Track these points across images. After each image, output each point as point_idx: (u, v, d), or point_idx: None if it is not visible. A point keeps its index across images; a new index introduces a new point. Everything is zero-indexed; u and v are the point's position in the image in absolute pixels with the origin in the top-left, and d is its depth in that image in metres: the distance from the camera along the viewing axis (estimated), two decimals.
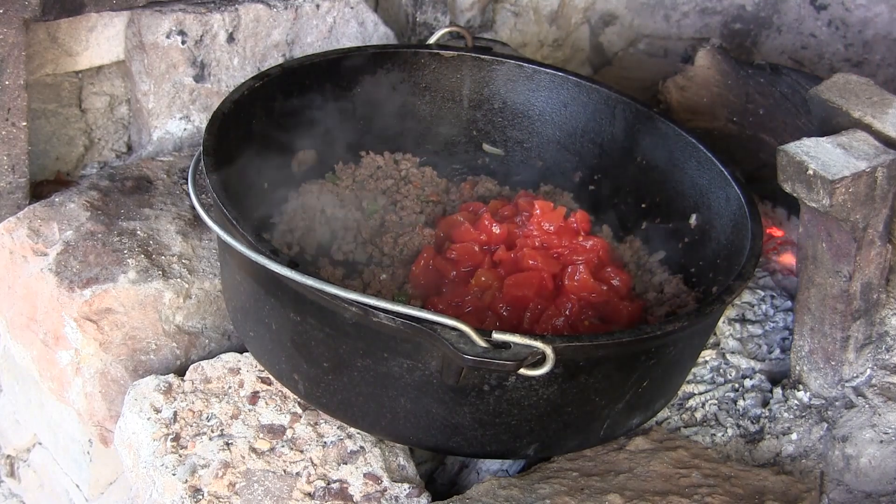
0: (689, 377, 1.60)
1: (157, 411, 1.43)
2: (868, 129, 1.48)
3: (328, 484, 1.36)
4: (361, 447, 1.40)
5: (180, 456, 1.37)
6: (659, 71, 2.13)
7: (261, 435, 1.41)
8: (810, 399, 1.56)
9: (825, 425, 1.53)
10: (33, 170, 1.73)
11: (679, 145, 1.65)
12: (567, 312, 1.46)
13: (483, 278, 1.47)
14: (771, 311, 1.73)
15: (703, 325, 1.42)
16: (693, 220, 1.63)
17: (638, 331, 1.31)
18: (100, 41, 1.80)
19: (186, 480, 1.34)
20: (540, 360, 1.17)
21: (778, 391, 1.58)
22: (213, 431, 1.41)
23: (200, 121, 1.87)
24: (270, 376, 1.46)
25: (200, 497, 1.33)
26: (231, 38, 1.84)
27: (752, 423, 1.54)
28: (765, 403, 1.57)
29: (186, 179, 1.57)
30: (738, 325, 1.69)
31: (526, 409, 1.27)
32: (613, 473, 1.40)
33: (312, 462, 1.38)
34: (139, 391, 1.46)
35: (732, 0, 2.36)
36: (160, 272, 1.55)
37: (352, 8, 1.98)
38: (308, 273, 1.20)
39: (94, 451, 1.67)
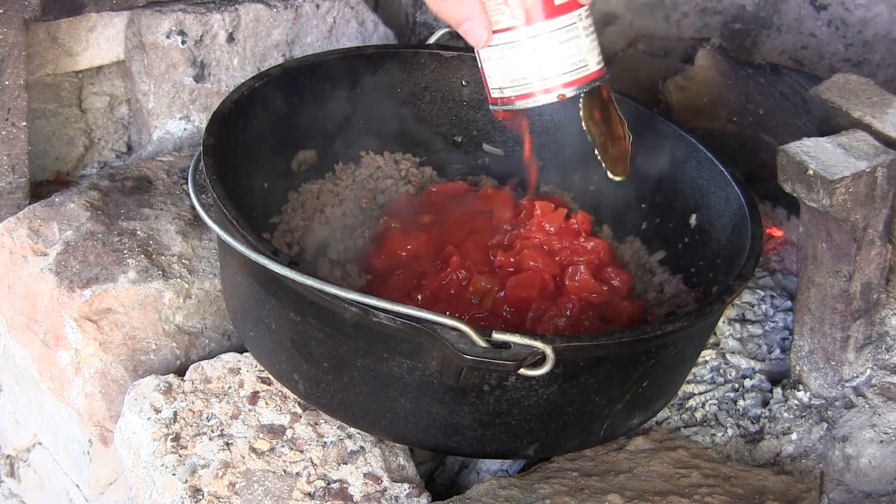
0: (689, 377, 1.60)
1: (157, 411, 1.43)
2: (868, 129, 1.48)
3: (328, 484, 1.36)
4: (361, 447, 1.40)
5: (180, 456, 1.38)
6: (659, 71, 2.12)
7: (261, 435, 1.41)
8: (810, 399, 1.56)
9: (825, 425, 1.53)
10: (33, 170, 1.73)
11: (679, 145, 1.65)
12: (568, 313, 1.46)
13: (481, 283, 1.47)
14: (771, 311, 1.73)
15: (703, 325, 1.42)
16: (693, 220, 1.63)
17: (638, 331, 1.31)
18: (100, 41, 1.80)
19: (186, 480, 1.34)
20: (540, 360, 1.17)
21: (778, 391, 1.58)
22: (213, 431, 1.41)
23: (200, 121, 1.87)
24: (270, 376, 1.46)
25: (200, 497, 1.33)
26: (231, 38, 1.84)
27: (752, 423, 1.55)
28: (765, 403, 1.57)
29: (186, 179, 1.57)
30: (738, 325, 1.69)
31: (526, 409, 1.27)
32: (613, 473, 1.40)
33: (312, 462, 1.38)
34: (139, 391, 1.46)
35: (732, 0, 2.36)
36: (160, 272, 1.55)
37: (352, 8, 1.98)
38: (308, 273, 1.20)
39: (94, 451, 1.67)
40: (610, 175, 1.39)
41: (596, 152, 1.37)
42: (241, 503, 1.32)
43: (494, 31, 1.24)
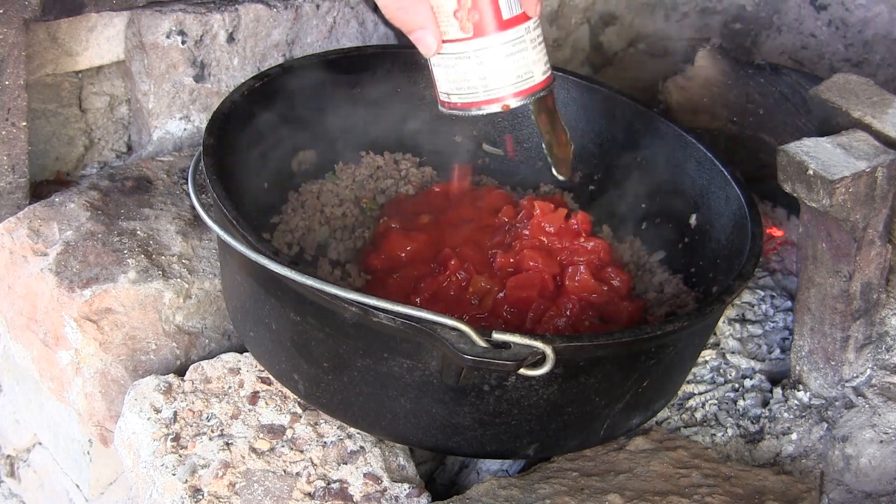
0: (689, 377, 1.60)
1: (157, 411, 1.43)
2: (868, 129, 1.48)
3: (328, 484, 1.36)
4: (361, 447, 1.40)
5: (180, 456, 1.38)
6: (659, 71, 2.13)
7: (261, 435, 1.41)
8: (810, 399, 1.56)
9: (825, 425, 1.53)
10: (33, 170, 1.73)
11: (679, 145, 1.65)
12: (568, 313, 1.46)
13: (481, 284, 1.47)
14: (771, 311, 1.73)
15: (703, 325, 1.42)
16: (693, 220, 1.63)
17: (638, 331, 1.31)
18: (100, 41, 1.80)
19: (186, 480, 1.34)
20: (540, 360, 1.17)
21: (778, 391, 1.58)
22: (213, 431, 1.41)
23: (200, 121, 1.87)
24: (270, 376, 1.46)
25: (200, 497, 1.33)
26: (231, 38, 1.84)
27: (752, 423, 1.55)
28: (765, 403, 1.57)
29: (186, 179, 1.57)
30: (738, 325, 1.69)
31: (526, 409, 1.27)
32: (613, 473, 1.40)
33: (312, 462, 1.38)
34: (139, 391, 1.46)
35: (732, 0, 2.37)
36: (160, 272, 1.55)
37: (352, 8, 1.98)
38: (308, 273, 1.20)
39: (94, 451, 1.67)
40: (554, 173, 1.45)
41: (545, 151, 1.43)
42: (241, 503, 1.32)
43: (444, 41, 1.26)
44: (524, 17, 1.25)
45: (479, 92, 1.28)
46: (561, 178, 1.46)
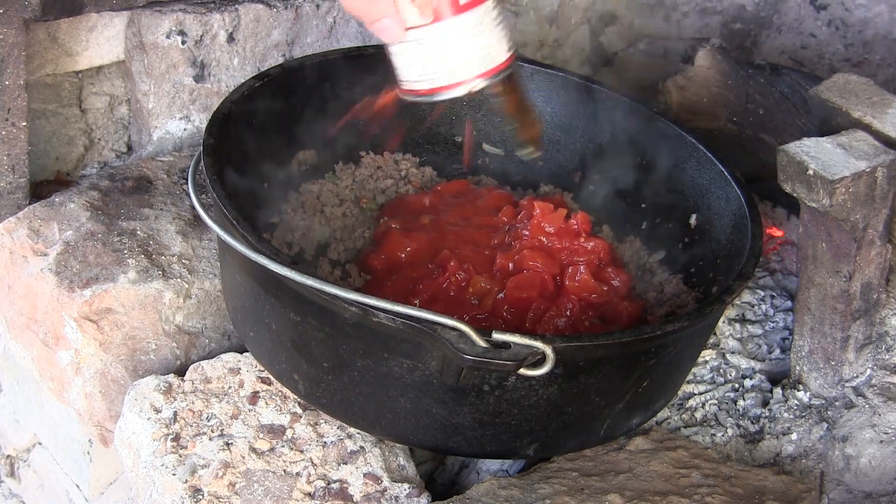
0: (689, 377, 1.60)
1: (157, 411, 1.43)
2: (868, 129, 1.49)
3: (328, 484, 1.36)
4: (361, 447, 1.40)
5: (180, 456, 1.38)
6: (659, 71, 2.13)
7: (261, 435, 1.41)
8: (810, 399, 1.56)
9: (825, 425, 1.53)
10: (33, 170, 1.73)
11: (679, 145, 1.65)
12: (568, 313, 1.46)
13: (481, 284, 1.47)
14: (771, 311, 1.73)
15: (703, 325, 1.42)
16: (693, 220, 1.63)
17: (638, 331, 1.31)
18: (100, 41, 1.80)
19: (186, 480, 1.35)
20: (540, 361, 1.17)
21: (778, 391, 1.58)
22: (213, 431, 1.41)
23: (200, 121, 1.87)
24: (270, 376, 1.46)
25: (200, 497, 1.33)
26: (231, 38, 1.84)
27: (752, 423, 1.55)
28: (765, 403, 1.57)
29: (186, 179, 1.57)
30: (738, 325, 1.69)
31: (526, 410, 1.27)
32: (613, 473, 1.40)
33: (312, 462, 1.38)
34: (139, 391, 1.46)
35: (732, 0, 2.37)
36: (160, 272, 1.55)
37: None
38: (308, 273, 1.20)
39: (94, 451, 1.67)
40: (521, 154, 1.44)
41: (512, 134, 1.42)
42: (241, 503, 1.32)
43: (406, 29, 1.25)
44: (482, 0, 1.25)
45: (442, 77, 1.28)
46: (533, 155, 1.45)
